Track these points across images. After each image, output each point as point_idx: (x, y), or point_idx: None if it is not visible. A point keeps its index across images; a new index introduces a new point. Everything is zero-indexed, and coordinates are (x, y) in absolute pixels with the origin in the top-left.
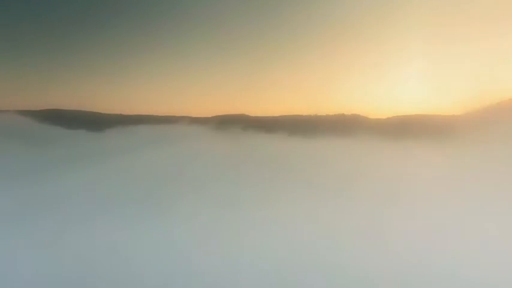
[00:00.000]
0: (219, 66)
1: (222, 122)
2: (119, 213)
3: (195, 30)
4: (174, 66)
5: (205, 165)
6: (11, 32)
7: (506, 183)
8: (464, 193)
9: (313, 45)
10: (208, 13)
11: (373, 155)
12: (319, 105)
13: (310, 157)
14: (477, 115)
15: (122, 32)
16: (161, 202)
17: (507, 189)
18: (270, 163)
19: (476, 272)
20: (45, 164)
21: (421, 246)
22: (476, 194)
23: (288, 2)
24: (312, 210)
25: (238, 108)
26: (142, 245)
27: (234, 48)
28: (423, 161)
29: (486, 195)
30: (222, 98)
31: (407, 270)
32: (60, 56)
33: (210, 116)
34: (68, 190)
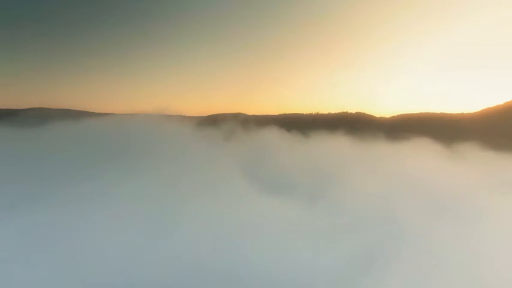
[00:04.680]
0: (216, 63)
1: (218, 121)
2: (115, 210)
3: (192, 28)
4: (169, 66)
5: (202, 164)
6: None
7: None
8: (471, 194)
9: (313, 41)
10: (205, 11)
11: (377, 154)
12: (321, 103)
13: (310, 157)
14: (487, 114)
15: (115, 31)
16: (157, 200)
17: None
18: (267, 163)
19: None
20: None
21: (430, 246)
22: (483, 195)
23: None
24: (313, 211)
25: (236, 107)
26: (145, 243)
27: (233, 46)
28: (429, 161)
29: (492, 196)
30: (219, 96)
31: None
32: (51, 55)
33: (206, 115)
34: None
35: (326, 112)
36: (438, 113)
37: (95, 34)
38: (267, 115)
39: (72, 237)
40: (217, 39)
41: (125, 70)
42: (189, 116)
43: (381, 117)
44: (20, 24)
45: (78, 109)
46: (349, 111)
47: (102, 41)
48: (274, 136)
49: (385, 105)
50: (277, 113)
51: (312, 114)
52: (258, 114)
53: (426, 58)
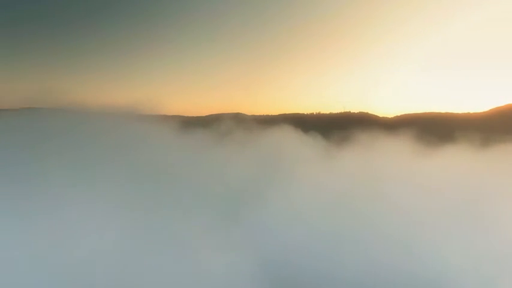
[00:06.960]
0: (214, 62)
1: (217, 121)
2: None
3: (190, 29)
4: (167, 66)
5: (201, 166)
6: None
7: None
8: (476, 195)
9: (312, 40)
10: (203, 9)
11: (381, 155)
12: (320, 102)
13: (310, 158)
14: (494, 114)
15: (111, 30)
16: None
17: None
18: (266, 164)
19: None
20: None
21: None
22: (490, 196)
23: None
24: (314, 213)
25: (235, 106)
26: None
27: (231, 45)
28: (433, 162)
29: (499, 197)
30: (216, 96)
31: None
32: (45, 54)
33: (204, 115)
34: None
35: (328, 112)
36: (443, 113)
37: (89, 34)
38: (267, 115)
39: (52, 234)
40: (215, 37)
41: (121, 69)
42: (186, 116)
43: (384, 117)
44: (13, 23)
45: (72, 108)
46: (351, 111)
47: (97, 40)
48: (282, 140)
49: (385, 105)
50: (276, 113)
51: (313, 114)
52: (258, 114)
53: (427, 57)
